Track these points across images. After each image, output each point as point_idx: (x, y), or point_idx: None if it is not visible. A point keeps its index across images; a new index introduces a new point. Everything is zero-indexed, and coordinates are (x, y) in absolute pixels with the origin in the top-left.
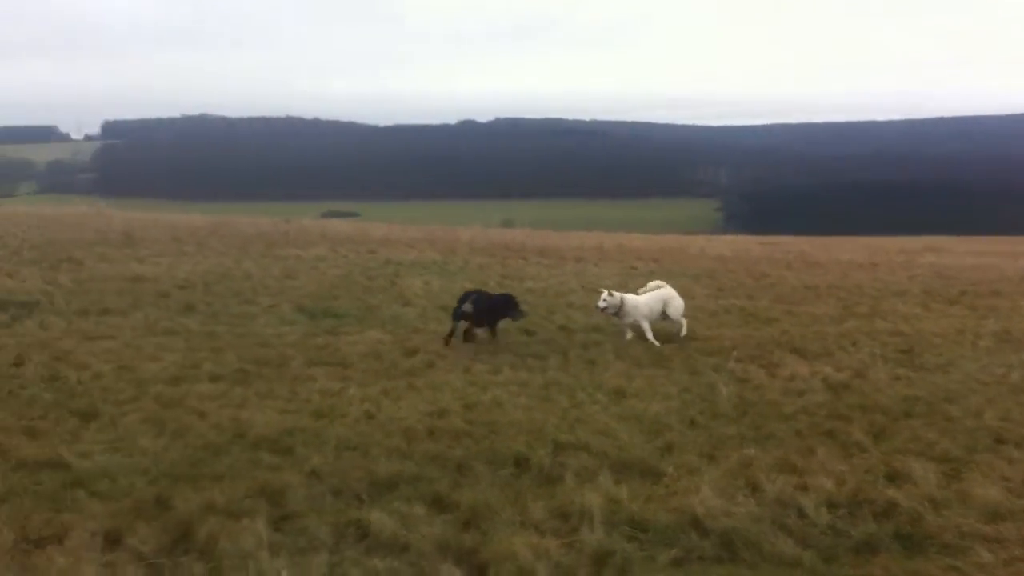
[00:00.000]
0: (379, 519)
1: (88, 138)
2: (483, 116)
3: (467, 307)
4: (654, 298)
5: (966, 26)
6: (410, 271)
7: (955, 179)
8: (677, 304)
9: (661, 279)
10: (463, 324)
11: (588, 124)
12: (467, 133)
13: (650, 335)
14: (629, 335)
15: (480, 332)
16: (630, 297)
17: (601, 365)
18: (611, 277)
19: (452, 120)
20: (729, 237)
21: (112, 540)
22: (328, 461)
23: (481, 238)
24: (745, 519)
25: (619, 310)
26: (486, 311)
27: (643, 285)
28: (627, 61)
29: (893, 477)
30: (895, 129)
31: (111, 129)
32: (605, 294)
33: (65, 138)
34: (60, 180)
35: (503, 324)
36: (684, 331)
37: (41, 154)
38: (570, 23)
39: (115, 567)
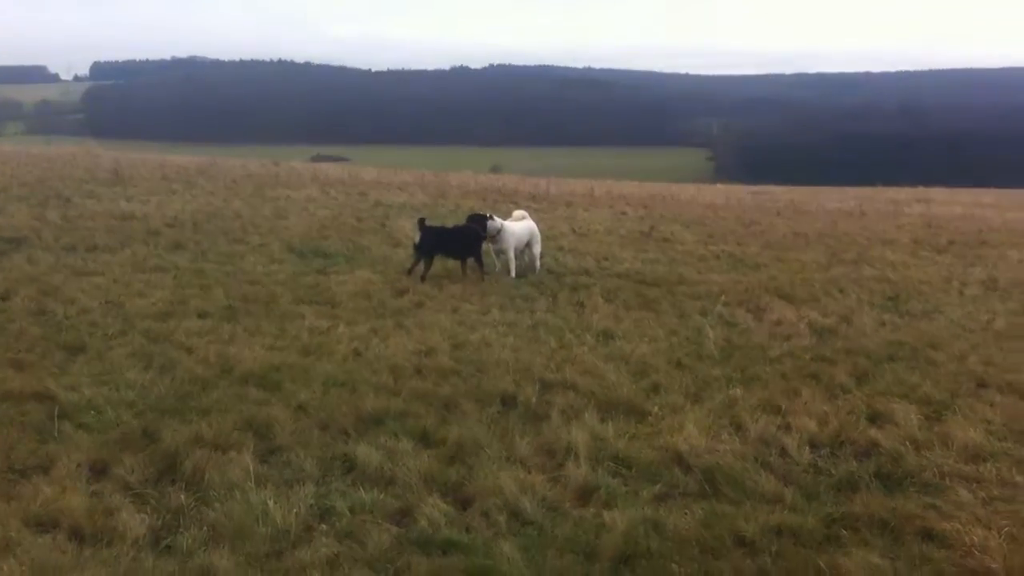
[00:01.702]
0: (365, 453)
1: (78, 79)
2: (476, 62)
3: (416, 239)
4: (523, 228)
5: None
6: (400, 213)
7: (946, 131)
8: (539, 237)
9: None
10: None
11: (581, 72)
12: (460, 79)
13: (514, 268)
14: (498, 267)
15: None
16: (508, 224)
17: (589, 307)
18: (601, 222)
19: (445, 66)
20: (720, 186)
21: (98, 471)
22: (315, 397)
23: (472, 183)
24: (728, 457)
25: (497, 235)
26: (439, 245)
27: (628, 229)
28: (621, 9)
29: (875, 418)
30: (889, 81)
31: (101, 70)
32: (494, 215)
33: (54, 79)
34: (48, 121)
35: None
36: (538, 267)
37: (29, 94)
38: None
39: (101, 496)
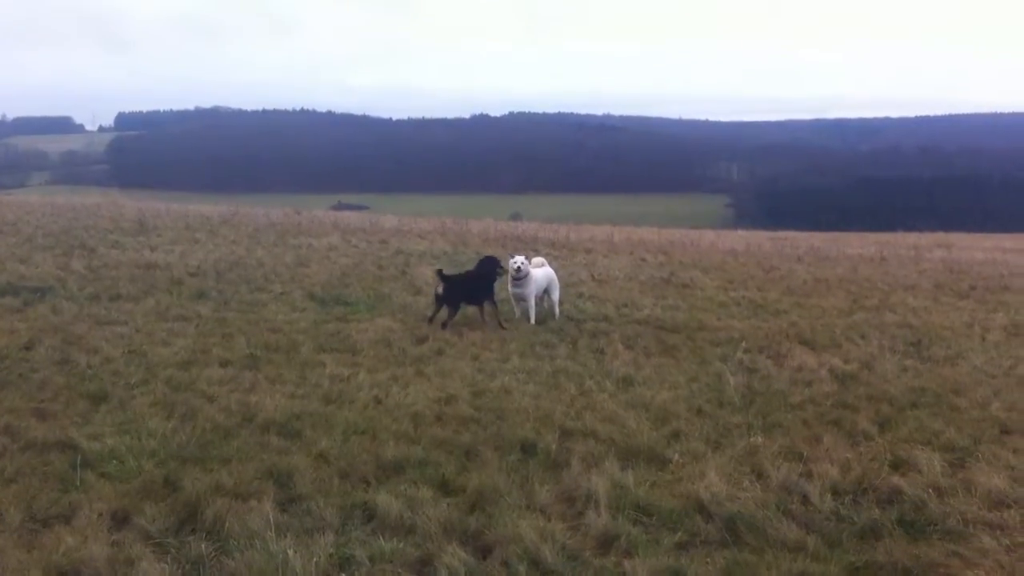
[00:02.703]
0: (386, 501)
1: (102, 130)
2: (496, 110)
3: (439, 290)
4: (542, 275)
5: (978, 24)
6: (421, 261)
7: (967, 176)
8: (557, 284)
9: (664, 267)
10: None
11: (600, 119)
12: (480, 127)
13: (534, 315)
14: (517, 313)
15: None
16: (534, 270)
17: (610, 354)
18: (620, 269)
19: (465, 114)
20: (741, 232)
21: (120, 520)
22: (336, 445)
23: (493, 230)
24: (750, 505)
25: (524, 279)
26: (462, 294)
27: (647, 275)
28: (640, 57)
29: (898, 465)
30: (909, 126)
31: (125, 121)
32: (523, 258)
33: (79, 129)
34: (73, 171)
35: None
36: (557, 314)
37: (54, 145)
38: (584, 18)
39: (122, 546)
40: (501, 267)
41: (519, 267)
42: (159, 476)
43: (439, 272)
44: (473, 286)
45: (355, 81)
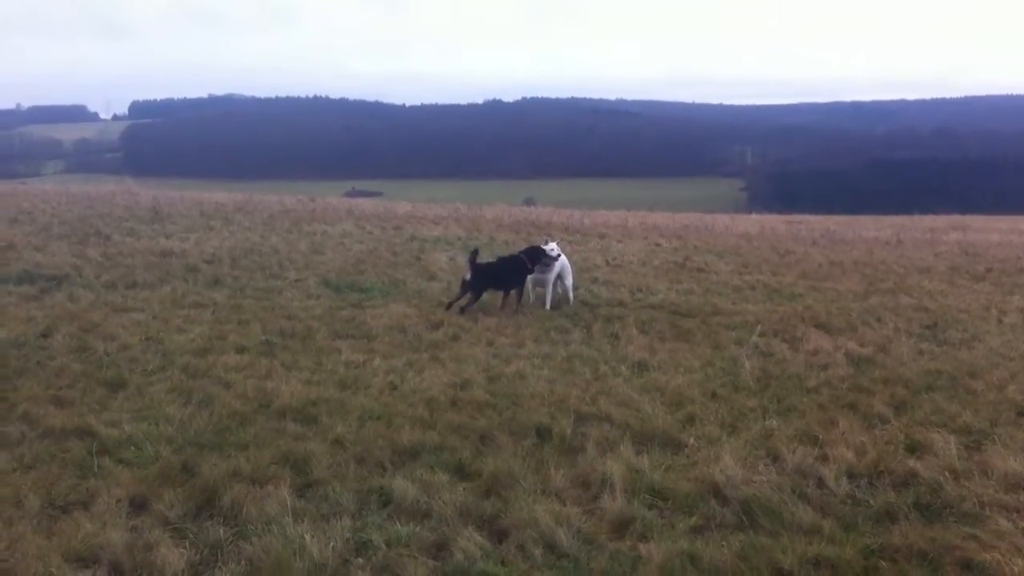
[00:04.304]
0: (402, 486)
1: (116, 118)
2: (509, 95)
3: (467, 276)
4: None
5: (995, 4)
6: (435, 247)
7: (983, 158)
8: (570, 269)
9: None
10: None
11: (613, 103)
12: (493, 112)
13: (549, 300)
14: (532, 299)
15: (509, 302)
16: None
17: (624, 339)
18: (635, 253)
19: (478, 99)
20: (754, 216)
21: (138, 506)
22: (352, 430)
23: (506, 215)
24: (765, 488)
25: (549, 264)
26: (489, 279)
27: (662, 260)
28: (653, 40)
29: (914, 448)
30: (924, 108)
31: (139, 109)
32: (555, 244)
33: (94, 118)
34: (87, 159)
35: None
36: (572, 299)
37: (68, 133)
38: (597, 1)
39: (141, 531)
40: (547, 256)
41: (559, 254)
42: (176, 462)
43: (472, 257)
44: (507, 273)
45: (366, 68)
